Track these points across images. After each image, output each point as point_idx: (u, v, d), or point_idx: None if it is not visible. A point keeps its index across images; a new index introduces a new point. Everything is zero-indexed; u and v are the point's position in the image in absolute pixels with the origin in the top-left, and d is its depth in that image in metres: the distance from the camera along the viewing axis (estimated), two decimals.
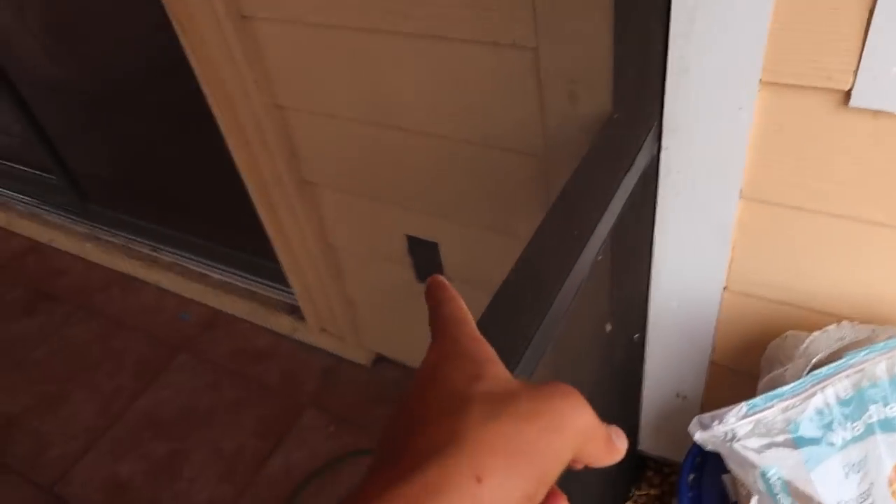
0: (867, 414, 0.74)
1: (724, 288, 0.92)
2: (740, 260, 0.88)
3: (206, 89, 1.16)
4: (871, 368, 0.74)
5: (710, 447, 0.76)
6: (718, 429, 0.74)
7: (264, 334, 1.83)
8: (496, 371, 0.31)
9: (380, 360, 1.71)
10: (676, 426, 1.20)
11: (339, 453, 1.51)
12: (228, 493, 1.50)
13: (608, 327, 0.88)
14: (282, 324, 1.78)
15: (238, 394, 1.70)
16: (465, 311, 0.36)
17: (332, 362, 1.72)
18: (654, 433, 1.26)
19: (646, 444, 1.29)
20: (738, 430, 0.73)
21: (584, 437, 0.29)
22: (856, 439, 0.74)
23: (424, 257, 1.23)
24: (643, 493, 1.38)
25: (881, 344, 0.74)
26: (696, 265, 0.91)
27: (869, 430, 0.74)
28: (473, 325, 0.35)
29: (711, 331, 0.99)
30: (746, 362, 0.99)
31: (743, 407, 0.73)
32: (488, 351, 0.33)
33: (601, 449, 0.30)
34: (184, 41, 1.10)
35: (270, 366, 1.76)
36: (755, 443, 0.74)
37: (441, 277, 0.38)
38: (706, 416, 0.74)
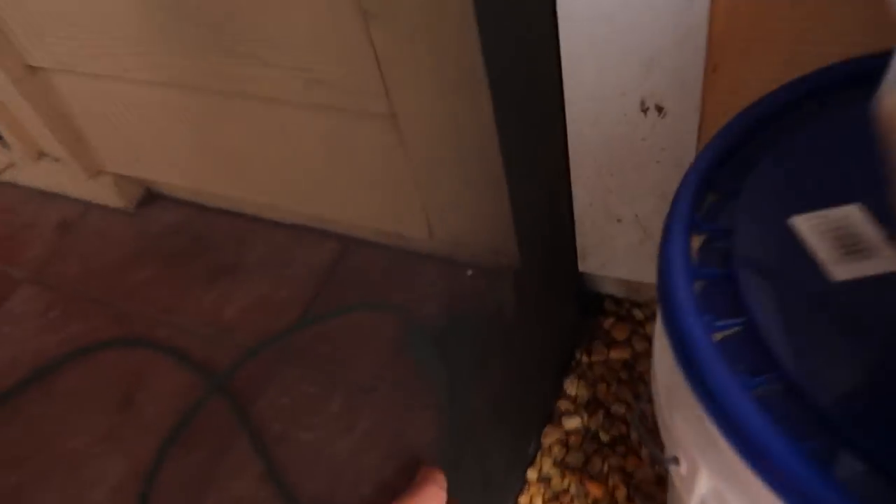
0: None
1: None
2: None
3: None
4: None
5: None
6: None
7: None
8: None
9: (150, 199, 1.03)
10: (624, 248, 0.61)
11: (70, 348, 0.88)
12: None
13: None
14: None
15: None
16: None
17: (73, 212, 1.04)
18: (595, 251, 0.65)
19: (588, 266, 0.69)
20: None
21: None
22: None
23: None
24: (598, 358, 0.78)
25: None
26: None
27: None
28: None
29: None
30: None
31: None
32: None
33: None
34: None
35: None
36: None
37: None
38: None
